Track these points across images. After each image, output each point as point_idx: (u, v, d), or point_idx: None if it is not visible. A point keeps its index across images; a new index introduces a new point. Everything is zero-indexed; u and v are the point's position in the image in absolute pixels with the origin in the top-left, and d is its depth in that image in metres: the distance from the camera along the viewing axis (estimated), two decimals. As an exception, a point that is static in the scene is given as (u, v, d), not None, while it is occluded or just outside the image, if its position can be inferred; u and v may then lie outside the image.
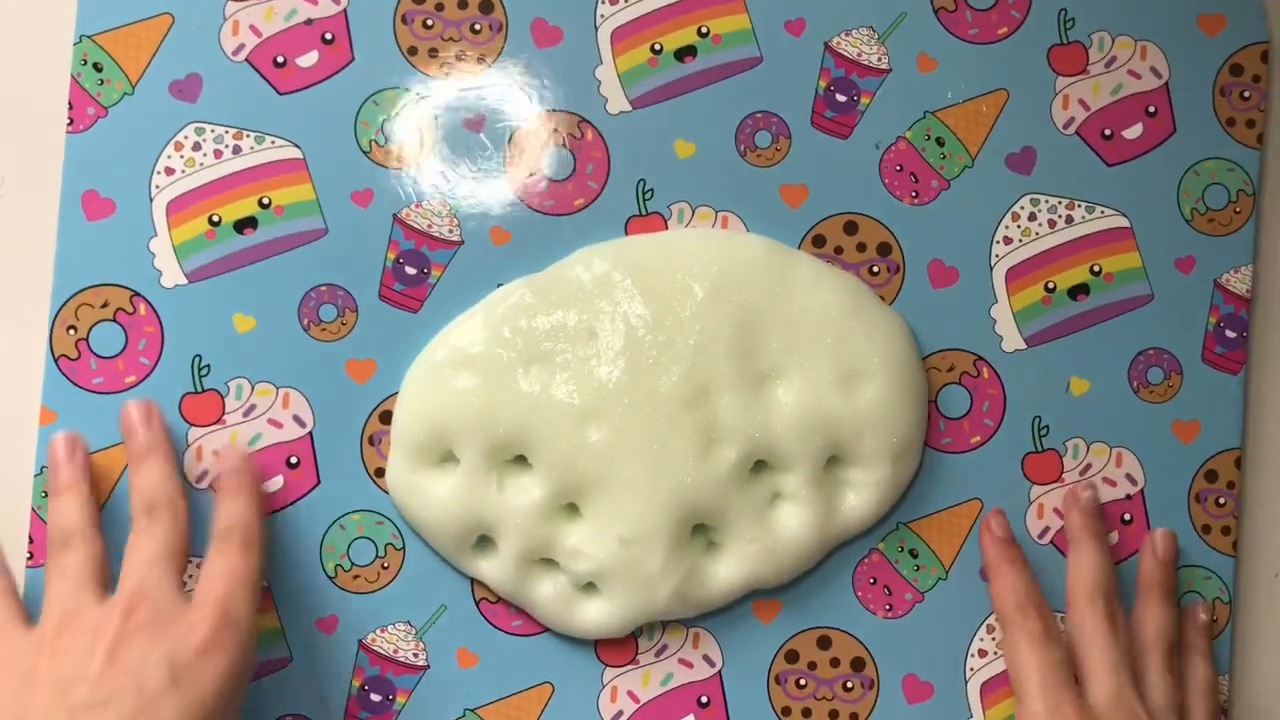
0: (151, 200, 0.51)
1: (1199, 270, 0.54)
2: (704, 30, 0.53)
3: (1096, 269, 0.54)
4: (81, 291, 0.51)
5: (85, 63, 0.51)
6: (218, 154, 0.51)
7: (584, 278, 0.51)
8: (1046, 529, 0.54)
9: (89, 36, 0.51)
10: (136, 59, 0.51)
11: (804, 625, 0.53)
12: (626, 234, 0.52)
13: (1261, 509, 0.55)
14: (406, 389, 0.51)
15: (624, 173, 0.52)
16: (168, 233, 0.51)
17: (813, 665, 0.53)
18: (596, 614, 0.51)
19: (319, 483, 0.51)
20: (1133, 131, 0.54)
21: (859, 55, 0.53)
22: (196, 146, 0.51)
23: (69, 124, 0.51)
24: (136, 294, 0.51)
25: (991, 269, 0.54)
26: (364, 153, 0.52)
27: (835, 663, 0.53)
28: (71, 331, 0.50)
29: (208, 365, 0.51)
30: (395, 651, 0.52)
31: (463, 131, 0.52)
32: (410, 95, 0.52)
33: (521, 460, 0.51)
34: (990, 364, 0.54)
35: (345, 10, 0.52)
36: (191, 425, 0.51)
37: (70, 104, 0.51)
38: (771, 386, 0.51)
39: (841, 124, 0.53)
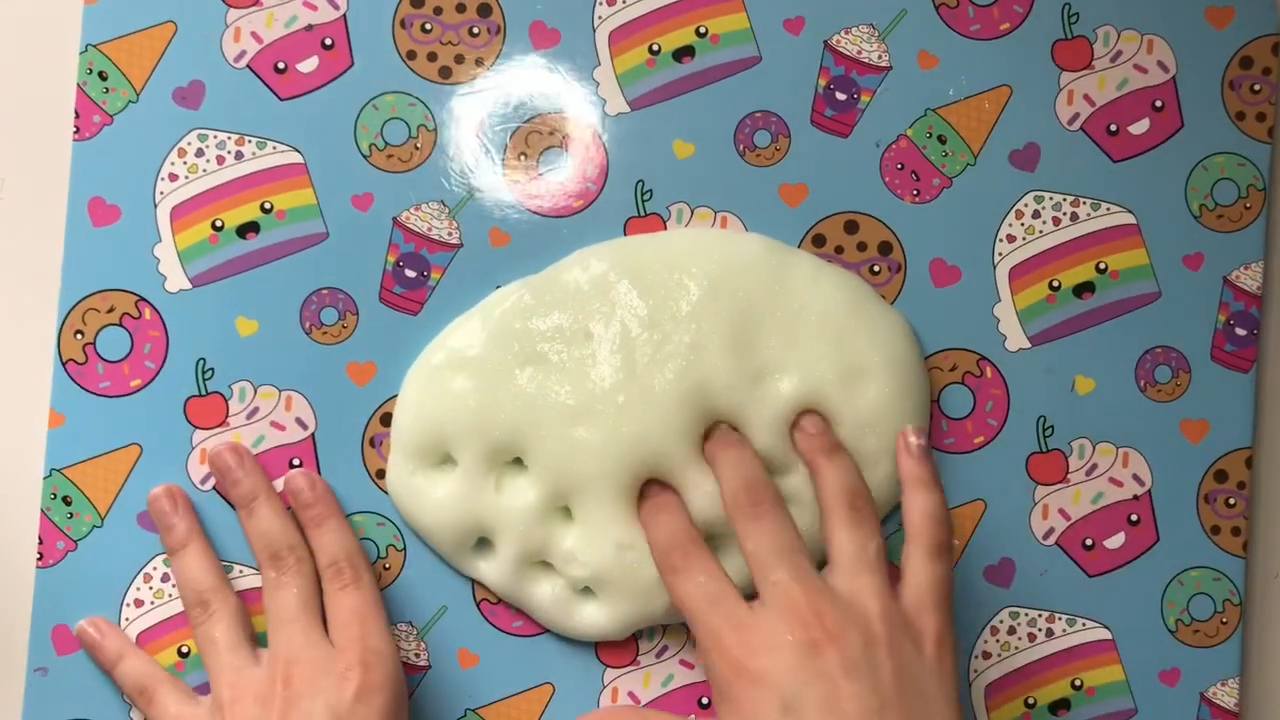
0: (156, 206, 0.52)
1: (1208, 267, 0.53)
2: (702, 30, 0.53)
3: (1102, 266, 0.53)
4: (88, 297, 0.51)
5: (91, 71, 0.51)
6: (220, 160, 0.52)
7: (581, 279, 0.51)
8: (1051, 530, 0.53)
9: (94, 46, 0.51)
10: (141, 67, 0.52)
11: (805, 626, 0.53)
12: (625, 235, 0.52)
13: (1273, 510, 0.54)
14: (406, 391, 0.51)
15: (623, 174, 0.53)
16: (172, 238, 0.52)
17: None
18: (595, 617, 0.51)
19: (321, 484, 0.52)
20: (1139, 127, 0.54)
21: (859, 53, 0.53)
22: (199, 153, 0.52)
23: (75, 132, 0.51)
24: (142, 299, 0.52)
25: (995, 267, 0.53)
26: (364, 157, 0.52)
27: (837, 664, 0.53)
28: (79, 336, 0.51)
29: (211, 368, 0.52)
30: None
31: (461, 134, 0.52)
32: (409, 99, 0.52)
33: (520, 463, 0.51)
34: (994, 363, 0.53)
35: (345, 16, 0.52)
36: (196, 428, 0.52)
37: (76, 112, 0.51)
38: (770, 385, 0.51)
39: (841, 123, 0.53)
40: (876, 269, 0.53)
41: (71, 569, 0.51)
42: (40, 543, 0.51)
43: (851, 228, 0.53)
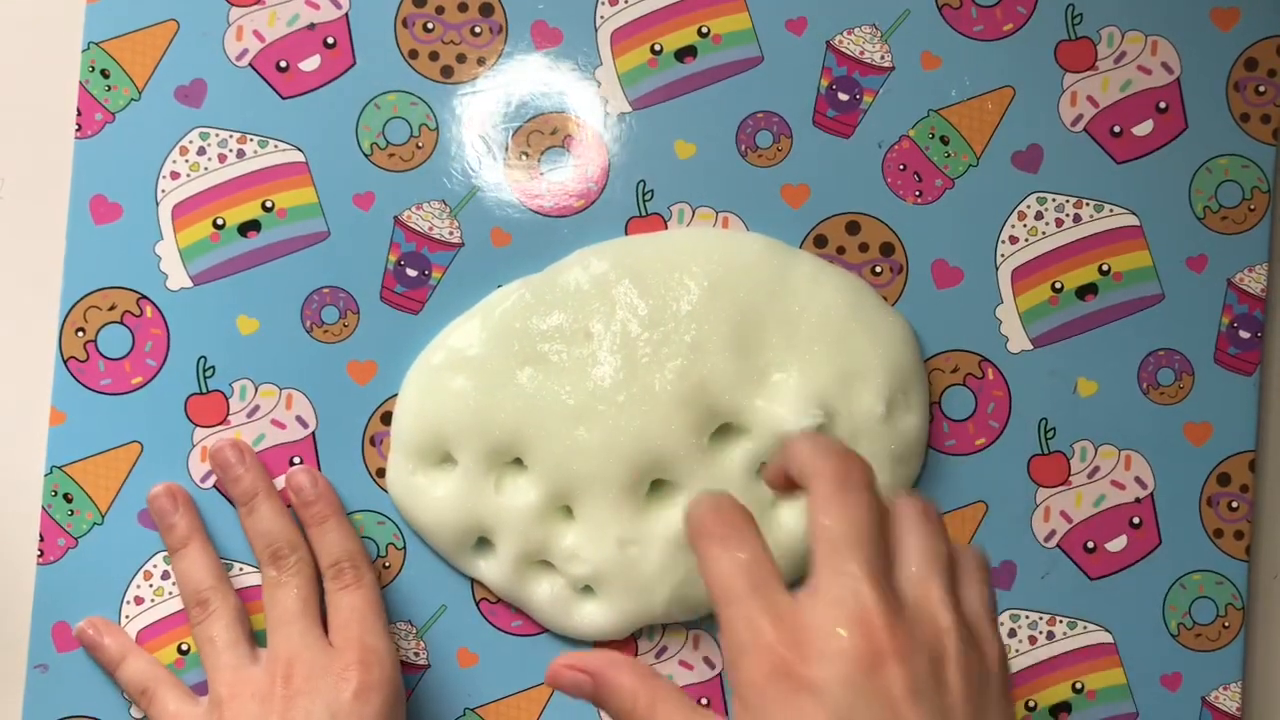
0: (157, 204, 0.52)
1: (1211, 269, 0.53)
2: (704, 30, 0.53)
3: (1105, 268, 0.53)
4: (90, 294, 0.51)
5: (93, 69, 0.52)
6: (222, 158, 0.52)
7: (582, 278, 0.51)
8: (1053, 533, 0.53)
9: (97, 44, 0.52)
10: (143, 65, 0.52)
11: (805, 628, 0.53)
12: (626, 235, 0.52)
13: (1276, 513, 0.54)
14: (406, 391, 0.51)
15: (624, 174, 0.52)
16: (173, 236, 0.52)
17: None
18: (594, 616, 0.51)
19: (321, 483, 0.52)
20: (1143, 128, 0.53)
21: (861, 53, 0.53)
22: (201, 151, 0.52)
23: (77, 130, 0.52)
24: (143, 296, 0.52)
25: (997, 269, 0.53)
26: (365, 156, 0.52)
27: (837, 666, 0.53)
28: (80, 334, 0.51)
29: (212, 366, 0.52)
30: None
31: (463, 133, 0.52)
32: (411, 98, 0.52)
33: (520, 463, 0.51)
34: (995, 365, 0.53)
35: (347, 15, 0.52)
36: (196, 426, 0.52)
37: (79, 110, 0.52)
38: (771, 386, 0.50)
39: (844, 123, 0.53)
40: (878, 270, 0.53)
41: (72, 566, 0.51)
42: (41, 540, 0.51)
43: (853, 228, 0.53)
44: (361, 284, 0.52)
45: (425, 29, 0.52)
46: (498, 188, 0.52)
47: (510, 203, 0.52)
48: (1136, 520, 0.53)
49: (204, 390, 0.52)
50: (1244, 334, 0.53)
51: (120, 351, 0.52)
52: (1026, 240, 0.53)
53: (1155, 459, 0.53)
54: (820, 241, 0.53)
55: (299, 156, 0.52)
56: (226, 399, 0.52)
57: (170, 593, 0.51)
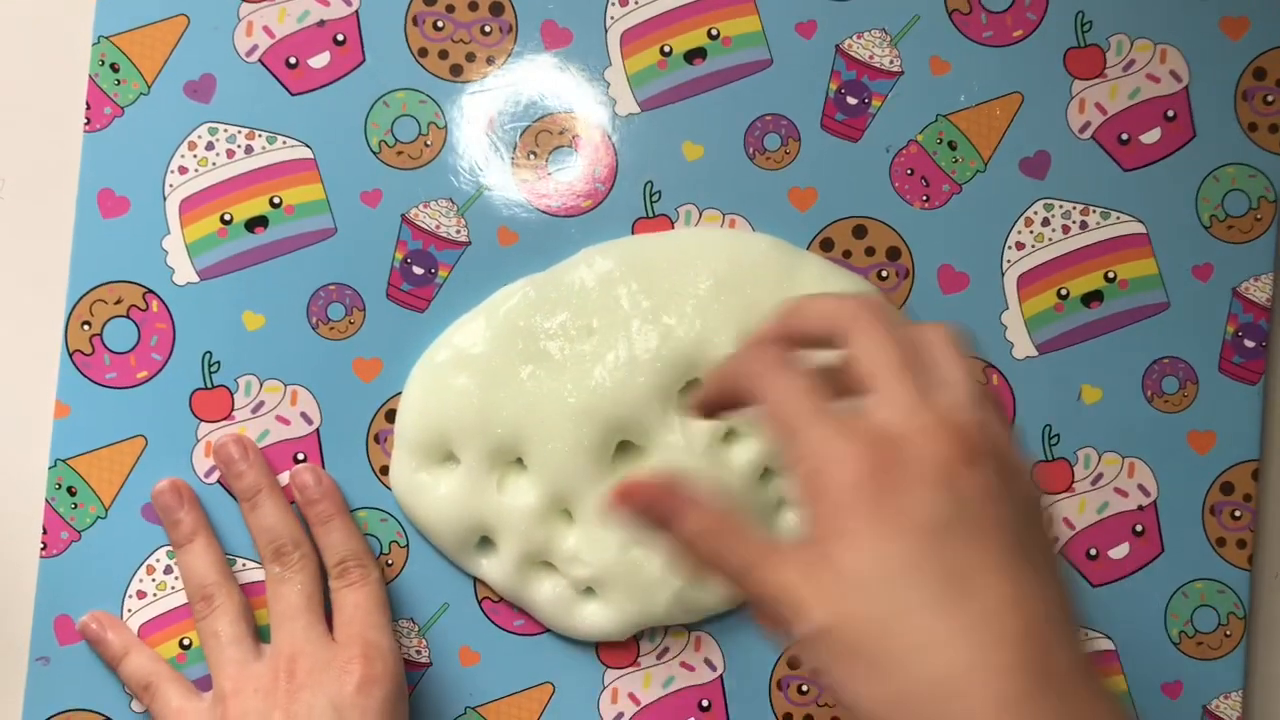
0: (165, 199, 0.52)
1: (1217, 278, 0.53)
2: (714, 32, 0.53)
3: (1111, 276, 0.53)
4: (96, 288, 0.51)
5: (103, 63, 0.52)
6: (230, 154, 0.52)
7: (587, 276, 0.51)
8: (1055, 539, 0.53)
9: (107, 37, 0.52)
10: (152, 59, 0.52)
11: (807, 631, 0.53)
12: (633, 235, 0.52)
13: (1279, 522, 0.54)
14: (410, 389, 0.51)
15: (632, 174, 0.52)
16: (180, 231, 0.52)
17: (815, 671, 0.53)
18: (596, 617, 0.51)
19: (325, 479, 0.52)
20: (1151, 136, 0.53)
21: (870, 58, 0.53)
22: (209, 146, 0.52)
23: (86, 123, 0.52)
24: (149, 291, 0.52)
25: (1003, 275, 0.53)
26: (374, 153, 0.52)
27: (838, 669, 0.53)
28: (86, 327, 0.51)
29: (218, 362, 0.52)
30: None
31: (471, 133, 0.52)
32: (420, 96, 0.52)
33: (522, 463, 0.51)
34: (1000, 371, 0.53)
35: (357, 12, 0.52)
36: (201, 421, 0.52)
37: (88, 103, 0.52)
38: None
39: (852, 127, 0.53)
40: (884, 274, 0.53)
41: (75, 559, 0.51)
42: (44, 533, 0.51)
43: (860, 232, 0.53)
44: (368, 281, 0.52)
45: (435, 27, 0.52)
46: (505, 187, 0.52)
47: (517, 202, 0.52)
48: (1139, 528, 0.53)
49: (209, 385, 0.52)
50: (1249, 343, 0.53)
51: (126, 345, 0.52)
52: (1033, 246, 0.53)
53: (1158, 467, 0.53)
54: (827, 245, 0.53)
55: (307, 153, 0.52)
56: (231, 394, 0.52)
57: (173, 587, 0.51)
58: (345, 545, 0.50)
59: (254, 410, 0.52)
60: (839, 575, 0.34)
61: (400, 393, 0.52)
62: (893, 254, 0.53)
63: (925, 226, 0.53)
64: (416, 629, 0.52)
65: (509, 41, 0.53)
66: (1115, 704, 0.34)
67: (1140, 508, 0.53)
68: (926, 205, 0.53)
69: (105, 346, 0.52)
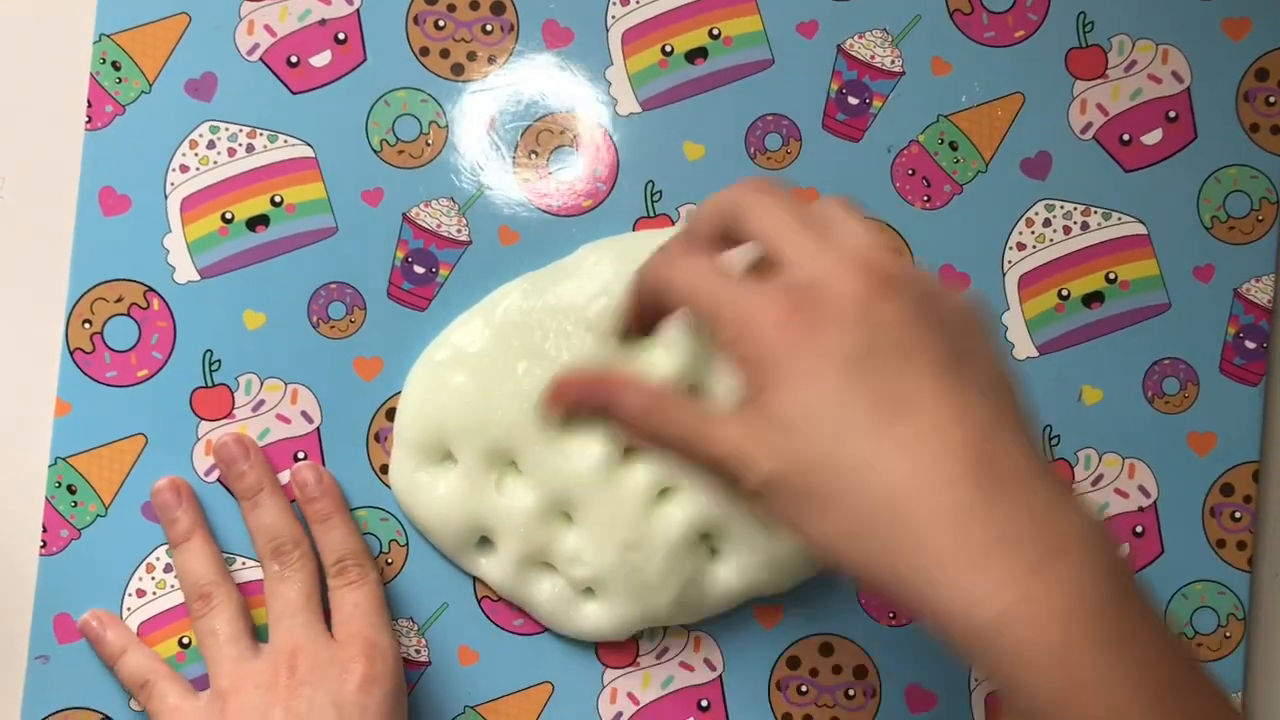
0: (166, 197, 0.52)
1: (1218, 279, 0.53)
2: (715, 32, 0.53)
3: (1112, 276, 0.53)
4: (97, 286, 0.51)
5: (104, 61, 0.52)
6: (231, 152, 0.52)
7: (584, 274, 0.51)
8: (1056, 540, 0.53)
9: (108, 35, 0.52)
10: (154, 58, 0.52)
11: (807, 631, 0.53)
12: (634, 235, 0.52)
13: (1279, 524, 0.54)
14: (409, 387, 0.51)
15: (633, 174, 0.52)
16: (181, 229, 0.52)
17: (814, 672, 0.53)
18: (596, 618, 0.51)
19: (325, 478, 0.52)
20: (1152, 137, 0.53)
21: (872, 58, 0.53)
22: (211, 144, 0.52)
23: (87, 121, 0.52)
24: (150, 289, 0.52)
25: (1004, 275, 0.53)
26: (375, 152, 0.52)
27: (837, 670, 0.53)
28: (86, 325, 0.51)
29: (218, 360, 0.52)
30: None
31: (472, 132, 0.52)
32: (421, 95, 0.52)
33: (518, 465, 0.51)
34: (1001, 371, 0.53)
35: (358, 11, 0.52)
36: (201, 419, 0.52)
37: (89, 102, 0.52)
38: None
39: (853, 127, 0.53)
40: (885, 274, 0.53)
41: (74, 558, 0.51)
42: (44, 530, 0.51)
43: (861, 232, 0.53)
44: (369, 280, 0.52)
45: (436, 26, 0.52)
46: (506, 186, 0.52)
47: (519, 201, 0.52)
48: (1139, 529, 0.53)
49: (209, 384, 0.52)
50: (1250, 344, 0.53)
51: (126, 344, 0.52)
52: (1034, 247, 0.53)
53: (1159, 468, 0.53)
54: (828, 245, 0.53)
55: (308, 152, 0.52)
56: (232, 393, 0.52)
57: (172, 586, 0.51)
58: (344, 544, 0.50)
59: (254, 409, 0.52)
60: (776, 424, 0.35)
61: (400, 392, 0.52)
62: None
63: (926, 227, 0.53)
64: (416, 628, 0.52)
65: (510, 41, 0.53)
66: (1076, 502, 0.34)
67: (1141, 509, 0.53)
68: (928, 205, 0.53)
69: (106, 345, 0.52)
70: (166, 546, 0.51)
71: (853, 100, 0.53)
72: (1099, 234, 0.53)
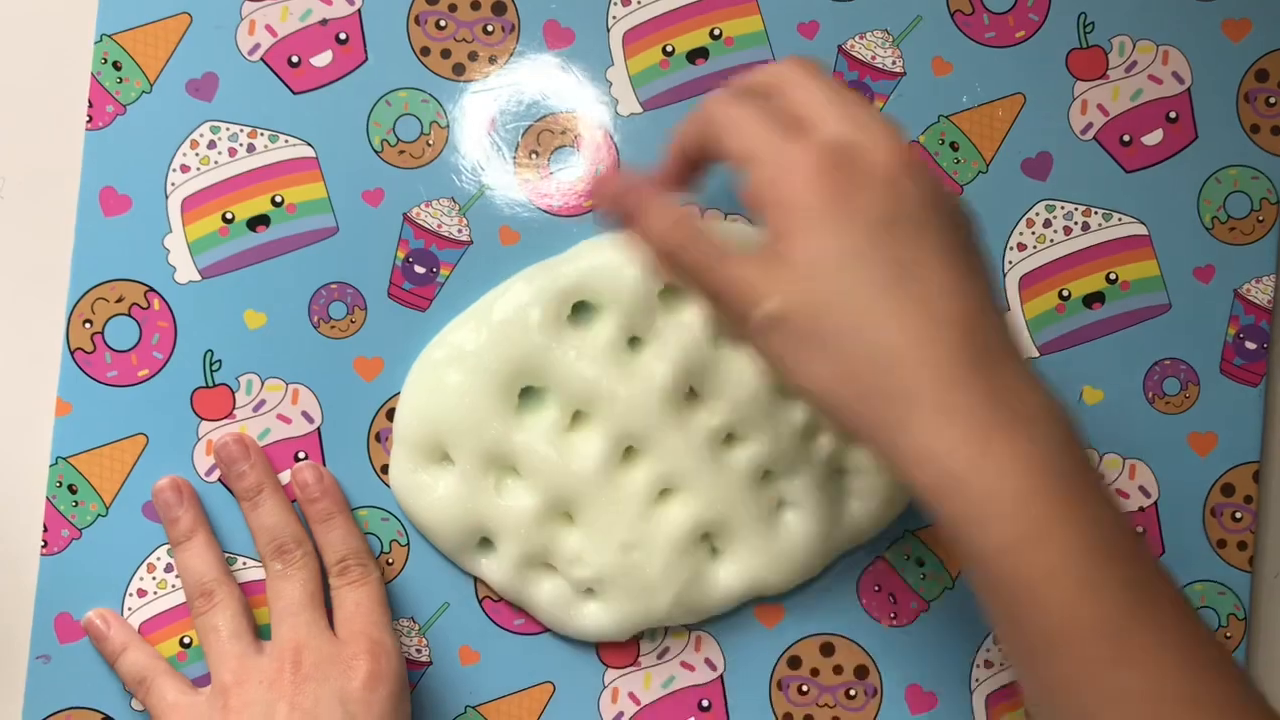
0: (167, 197, 0.52)
1: (1219, 280, 0.53)
2: (716, 32, 0.53)
3: (1113, 277, 0.53)
4: (97, 286, 0.51)
5: (105, 61, 0.52)
6: (232, 152, 0.52)
7: (584, 271, 0.50)
8: (1056, 540, 0.53)
9: (109, 35, 0.52)
10: (155, 58, 0.52)
11: (808, 631, 0.53)
12: (635, 236, 0.52)
13: (1279, 524, 0.54)
14: (408, 387, 0.51)
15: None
16: (182, 229, 0.52)
17: (815, 672, 0.53)
18: (597, 618, 0.51)
19: (326, 478, 0.52)
20: (1153, 138, 0.53)
21: (873, 58, 0.53)
22: (212, 145, 0.52)
23: (88, 121, 0.52)
24: (151, 289, 0.52)
25: (1004, 276, 0.53)
26: (375, 152, 0.52)
27: (838, 670, 0.53)
28: (87, 325, 0.51)
29: (219, 360, 0.52)
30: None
31: (473, 132, 0.52)
32: (422, 95, 0.52)
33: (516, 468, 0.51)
34: (1001, 372, 0.53)
35: (359, 11, 0.52)
36: (202, 419, 0.52)
37: (90, 101, 0.52)
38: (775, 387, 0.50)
39: (854, 127, 0.53)
40: (886, 275, 0.53)
41: (75, 557, 0.51)
42: (45, 530, 0.51)
43: (862, 233, 0.53)
44: (369, 280, 0.52)
45: (438, 26, 0.52)
46: (507, 186, 0.52)
47: (519, 202, 0.52)
48: (1140, 529, 0.53)
49: (210, 384, 0.52)
50: (1250, 345, 0.53)
51: (127, 343, 0.52)
52: (1034, 248, 0.53)
53: (1159, 468, 0.53)
54: (828, 245, 0.53)
55: (309, 152, 0.52)
56: (232, 393, 0.52)
57: (173, 585, 0.51)
58: (345, 544, 0.50)
59: (255, 409, 0.52)
60: (792, 266, 0.38)
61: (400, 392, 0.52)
62: (894, 255, 0.53)
63: (927, 227, 0.53)
64: (417, 628, 0.52)
65: (511, 41, 0.53)
66: (1043, 384, 0.38)
67: (1141, 509, 0.53)
68: (928, 206, 0.53)
69: (107, 344, 0.52)
70: (167, 546, 0.51)
71: (853, 101, 0.53)
72: (1099, 234, 0.53)
